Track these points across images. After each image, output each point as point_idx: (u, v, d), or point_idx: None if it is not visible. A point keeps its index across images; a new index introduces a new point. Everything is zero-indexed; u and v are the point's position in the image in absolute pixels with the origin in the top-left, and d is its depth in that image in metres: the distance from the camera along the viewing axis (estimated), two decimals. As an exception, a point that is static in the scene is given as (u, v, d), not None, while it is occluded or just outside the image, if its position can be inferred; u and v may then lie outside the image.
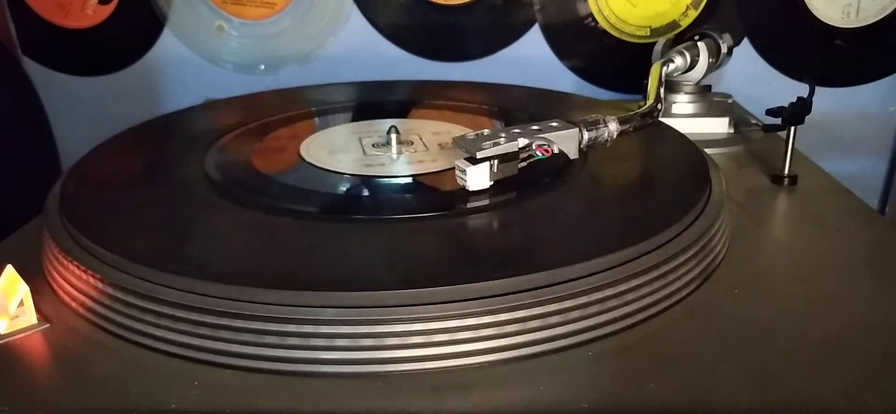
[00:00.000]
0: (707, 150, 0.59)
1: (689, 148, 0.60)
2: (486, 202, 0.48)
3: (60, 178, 0.54)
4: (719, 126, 0.73)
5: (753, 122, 0.76)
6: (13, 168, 0.86)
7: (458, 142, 0.50)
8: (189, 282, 0.38)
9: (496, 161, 0.49)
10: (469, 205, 0.48)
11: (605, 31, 0.91)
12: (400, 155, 0.58)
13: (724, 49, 0.71)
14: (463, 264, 0.41)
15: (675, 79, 0.71)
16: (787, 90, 0.87)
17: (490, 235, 0.46)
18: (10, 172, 0.85)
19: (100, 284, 0.40)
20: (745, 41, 0.91)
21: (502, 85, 0.83)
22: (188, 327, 0.37)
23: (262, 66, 0.96)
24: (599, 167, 0.54)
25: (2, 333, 0.39)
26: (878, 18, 0.88)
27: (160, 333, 0.38)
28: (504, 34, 0.93)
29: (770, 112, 0.64)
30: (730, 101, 0.75)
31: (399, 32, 0.94)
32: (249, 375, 0.37)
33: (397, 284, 0.37)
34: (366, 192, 0.53)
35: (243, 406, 0.35)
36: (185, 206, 0.50)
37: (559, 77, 0.94)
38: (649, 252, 0.41)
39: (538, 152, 0.50)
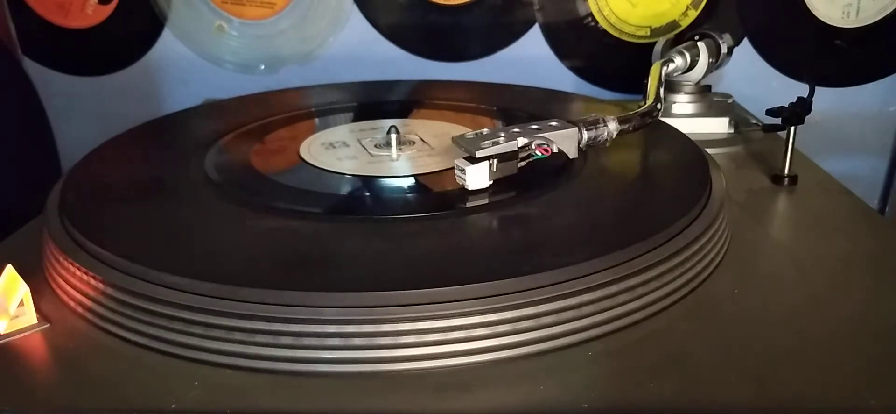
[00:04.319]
0: (707, 150, 0.59)
1: (689, 147, 0.60)
2: (486, 202, 0.48)
3: (61, 179, 0.54)
4: (719, 126, 0.73)
5: (753, 122, 0.76)
6: (13, 168, 0.86)
7: (458, 141, 0.50)
8: (189, 282, 0.38)
9: (495, 160, 0.49)
10: (468, 204, 0.48)
11: (605, 31, 0.91)
12: (400, 155, 0.58)
13: (724, 49, 0.71)
14: (463, 264, 0.41)
15: (675, 79, 0.71)
16: (787, 90, 0.87)
17: (490, 234, 0.46)
18: (10, 172, 0.85)
19: (100, 285, 0.40)
20: (745, 41, 0.91)
21: (502, 85, 0.83)
22: (188, 327, 0.38)
23: (262, 66, 0.96)
24: (599, 167, 0.54)
25: (2, 333, 0.39)
26: (878, 18, 0.88)
27: (160, 333, 0.38)
28: (504, 34, 0.93)
29: (770, 112, 0.64)
30: (730, 101, 0.75)
31: (399, 32, 0.94)
32: (249, 375, 0.37)
33: (397, 284, 0.37)
34: (366, 193, 0.53)
35: (243, 406, 0.35)
36: (184, 206, 0.50)
37: (559, 77, 0.94)
38: (649, 251, 0.41)
39: (537, 152, 0.50)
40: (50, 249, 0.45)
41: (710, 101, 0.75)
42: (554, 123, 0.52)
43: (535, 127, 0.51)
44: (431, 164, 0.55)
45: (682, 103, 0.74)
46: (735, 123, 0.74)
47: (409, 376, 0.36)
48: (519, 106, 0.73)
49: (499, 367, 0.37)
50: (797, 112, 0.61)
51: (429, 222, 0.46)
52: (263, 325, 0.36)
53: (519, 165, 0.50)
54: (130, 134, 0.66)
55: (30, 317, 0.41)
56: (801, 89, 0.63)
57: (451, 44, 0.95)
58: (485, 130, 0.51)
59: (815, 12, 0.88)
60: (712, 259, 0.46)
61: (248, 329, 0.37)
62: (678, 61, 0.68)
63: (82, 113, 0.98)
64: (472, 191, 0.49)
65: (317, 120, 0.71)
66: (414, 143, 0.60)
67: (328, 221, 0.47)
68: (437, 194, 0.52)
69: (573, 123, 0.52)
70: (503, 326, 0.37)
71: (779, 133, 0.67)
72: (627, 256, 0.40)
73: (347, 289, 0.37)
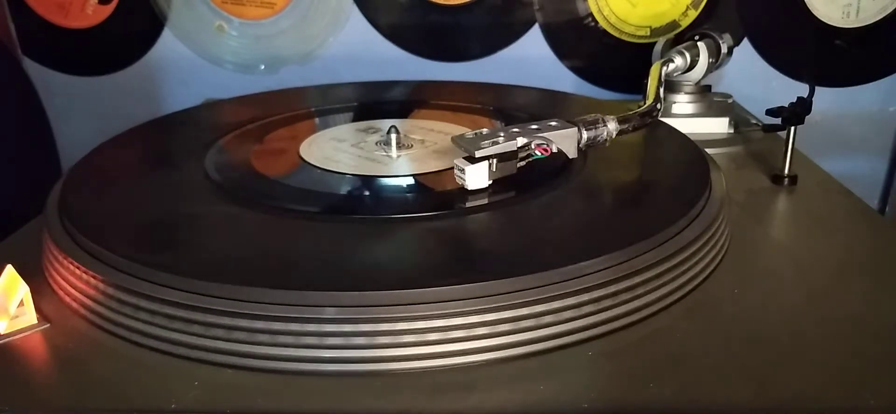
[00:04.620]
0: (707, 150, 0.59)
1: (689, 148, 0.60)
2: (485, 201, 0.48)
3: (61, 179, 0.54)
4: (719, 126, 0.73)
5: (753, 122, 0.76)
6: (13, 168, 0.86)
7: (457, 141, 0.50)
8: (189, 281, 0.38)
9: (495, 160, 0.49)
10: (468, 204, 0.48)
11: (605, 31, 0.91)
12: (400, 155, 0.58)
13: (724, 49, 0.71)
14: (462, 264, 0.41)
15: (675, 79, 0.71)
16: (787, 90, 0.87)
17: (489, 234, 0.46)
18: (10, 172, 0.85)
19: (100, 284, 0.40)
20: (745, 41, 0.91)
21: (502, 85, 0.83)
22: (188, 327, 0.38)
23: (262, 66, 0.96)
24: (599, 167, 0.54)
25: (2, 333, 0.39)
26: (878, 18, 0.88)
27: (160, 332, 0.38)
28: (504, 34, 0.93)
29: (770, 112, 0.64)
30: (730, 101, 0.75)
31: (399, 32, 0.94)
32: (249, 374, 0.37)
33: (397, 284, 0.37)
34: (366, 193, 0.53)
35: (243, 406, 0.35)
36: (184, 206, 0.50)
37: (559, 77, 0.94)
38: (649, 251, 0.41)
39: (537, 152, 0.50)
40: (50, 248, 0.45)
41: (710, 101, 0.75)
42: (553, 123, 0.52)
43: (534, 127, 0.51)
44: (431, 165, 0.55)
45: (682, 103, 0.74)
46: (735, 123, 0.74)
47: (409, 376, 0.36)
48: (519, 106, 0.73)
49: (499, 367, 0.37)
50: (797, 112, 0.61)
51: (428, 222, 0.46)
52: (263, 324, 0.36)
53: (518, 165, 0.50)
54: (130, 134, 0.66)
55: (30, 317, 0.41)
56: (801, 89, 0.63)
57: (451, 44, 0.95)
58: (484, 130, 0.51)
59: (815, 12, 0.88)
60: (712, 259, 0.46)
61: (248, 329, 0.37)
62: (678, 61, 0.68)
63: (82, 113, 0.98)
64: (472, 191, 0.49)
65: (317, 120, 0.71)
66: (414, 143, 0.60)
67: (328, 221, 0.47)
68: (437, 194, 0.52)
69: (573, 123, 0.52)
70: (503, 325, 0.37)
71: (779, 133, 0.67)
72: (627, 255, 0.40)
73: (347, 289, 0.37)
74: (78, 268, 0.42)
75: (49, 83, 0.97)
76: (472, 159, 0.49)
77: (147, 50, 0.96)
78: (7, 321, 0.40)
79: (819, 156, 0.66)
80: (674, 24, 0.90)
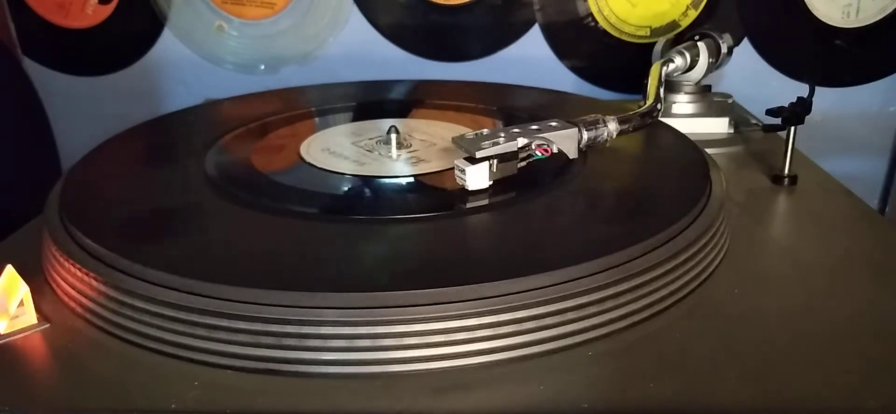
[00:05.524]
0: (707, 150, 0.59)
1: (689, 148, 0.60)
2: (486, 202, 0.48)
3: (61, 179, 0.54)
4: (719, 126, 0.73)
5: (753, 122, 0.76)
6: (13, 168, 0.86)
7: (458, 142, 0.50)
8: (189, 282, 0.38)
9: (495, 161, 0.49)
10: (468, 205, 0.48)
11: (605, 31, 0.91)
12: (400, 155, 0.58)
13: (724, 49, 0.71)
14: (463, 264, 0.41)
15: (675, 79, 0.71)
16: (787, 90, 0.87)
17: (489, 235, 0.46)
18: (10, 172, 0.85)
19: (100, 285, 0.40)
20: (745, 41, 0.91)
21: (502, 85, 0.83)
22: (188, 328, 0.37)
23: (262, 66, 0.96)
24: (599, 167, 0.54)
25: (2, 333, 0.39)
26: (878, 18, 0.88)
27: (160, 333, 0.38)
28: (504, 34, 0.93)
29: (770, 112, 0.64)
30: (730, 101, 0.75)
31: (399, 32, 0.94)
32: (249, 375, 0.37)
33: (397, 285, 0.37)
34: (366, 193, 0.53)
35: (243, 406, 0.35)
36: (184, 206, 0.50)
37: (559, 77, 0.94)
38: (649, 252, 0.41)
39: (537, 152, 0.50)
40: (50, 249, 0.45)
41: (710, 101, 0.75)
42: (554, 123, 0.52)
43: (535, 127, 0.51)
44: (431, 165, 0.55)
45: (682, 103, 0.74)
46: (735, 123, 0.74)
47: (409, 376, 0.36)
48: (519, 106, 0.73)
49: (499, 367, 0.37)
50: (797, 112, 0.61)
51: (429, 223, 0.46)
52: (263, 325, 0.36)
53: (519, 166, 0.50)
54: (130, 133, 0.66)
55: (30, 317, 0.41)
56: (801, 89, 0.63)
57: (451, 44, 0.95)
58: (485, 131, 0.51)
59: (815, 12, 0.88)
60: (712, 259, 0.46)
61: (249, 330, 0.37)
62: (678, 61, 0.68)
63: (82, 113, 0.98)
64: (472, 191, 0.49)
65: (317, 119, 0.71)
66: (414, 143, 0.60)
67: (328, 221, 0.47)
68: (437, 194, 0.52)
69: (573, 123, 0.52)
70: (503, 326, 0.37)
71: (779, 133, 0.67)
72: (627, 256, 0.40)
73: (347, 289, 0.37)
74: (78, 268, 0.42)
75: (49, 83, 0.97)
76: (473, 160, 0.49)
77: (147, 50, 0.96)
78: (7, 321, 0.40)
79: (819, 156, 0.66)
80: (674, 24, 0.90)
